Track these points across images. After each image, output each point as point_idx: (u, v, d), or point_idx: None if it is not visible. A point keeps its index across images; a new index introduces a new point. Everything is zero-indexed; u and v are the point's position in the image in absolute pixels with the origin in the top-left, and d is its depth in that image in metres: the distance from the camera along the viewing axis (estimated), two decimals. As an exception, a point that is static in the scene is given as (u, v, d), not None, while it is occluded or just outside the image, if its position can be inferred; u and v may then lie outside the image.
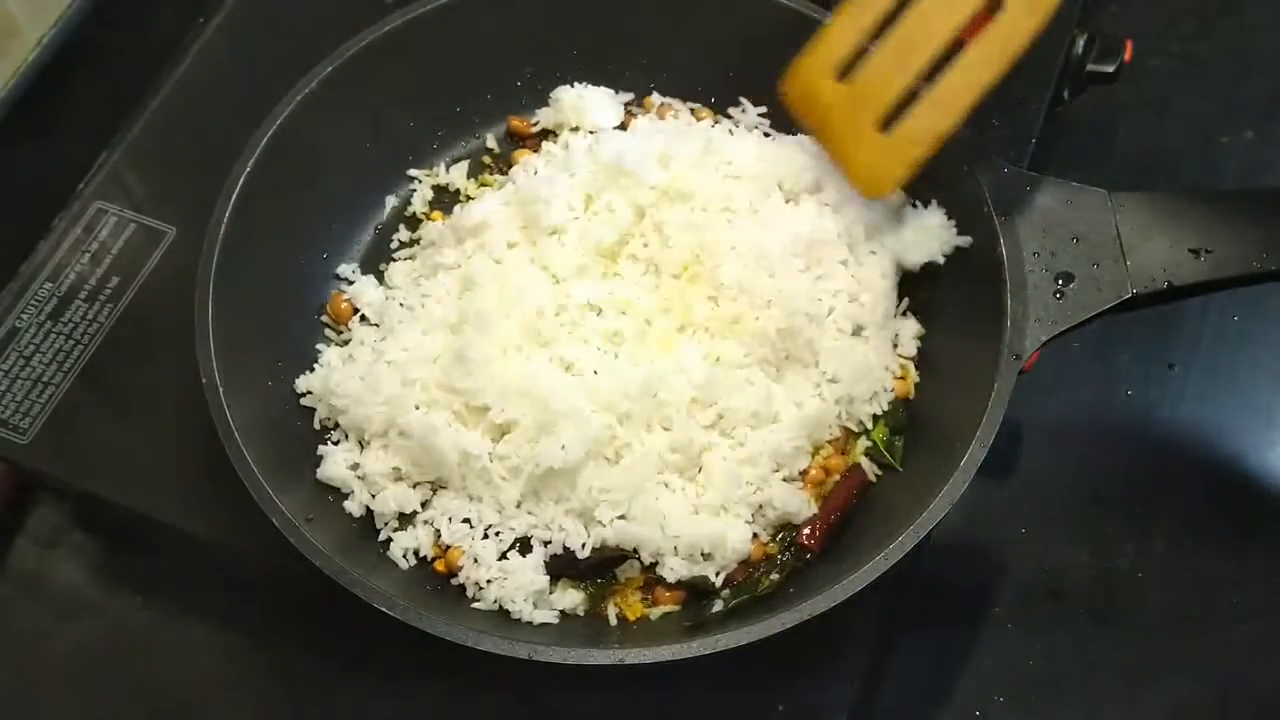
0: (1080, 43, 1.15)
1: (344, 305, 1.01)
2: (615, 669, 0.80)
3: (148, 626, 0.98)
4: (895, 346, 0.98)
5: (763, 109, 1.07)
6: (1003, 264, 0.91)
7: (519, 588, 0.88)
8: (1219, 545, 1.04)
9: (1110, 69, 1.15)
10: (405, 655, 0.90)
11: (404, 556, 0.90)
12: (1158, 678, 1.00)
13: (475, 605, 0.88)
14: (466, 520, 0.90)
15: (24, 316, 1.02)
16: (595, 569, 0.90)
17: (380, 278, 1.03)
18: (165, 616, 0.98)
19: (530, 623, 0.87)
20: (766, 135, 1.07)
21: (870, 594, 0.81)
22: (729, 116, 1.09)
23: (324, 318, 1.01)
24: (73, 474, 0.97)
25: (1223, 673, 1.00)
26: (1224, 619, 1.01)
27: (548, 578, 0.89)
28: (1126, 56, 1.15)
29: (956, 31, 0.91)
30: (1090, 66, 1.15)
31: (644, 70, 1.10)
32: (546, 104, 1.09)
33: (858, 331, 0.96)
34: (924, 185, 1.00)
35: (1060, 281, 0.90)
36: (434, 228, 1.04)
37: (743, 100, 1.08)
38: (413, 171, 1.08)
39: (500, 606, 0.88)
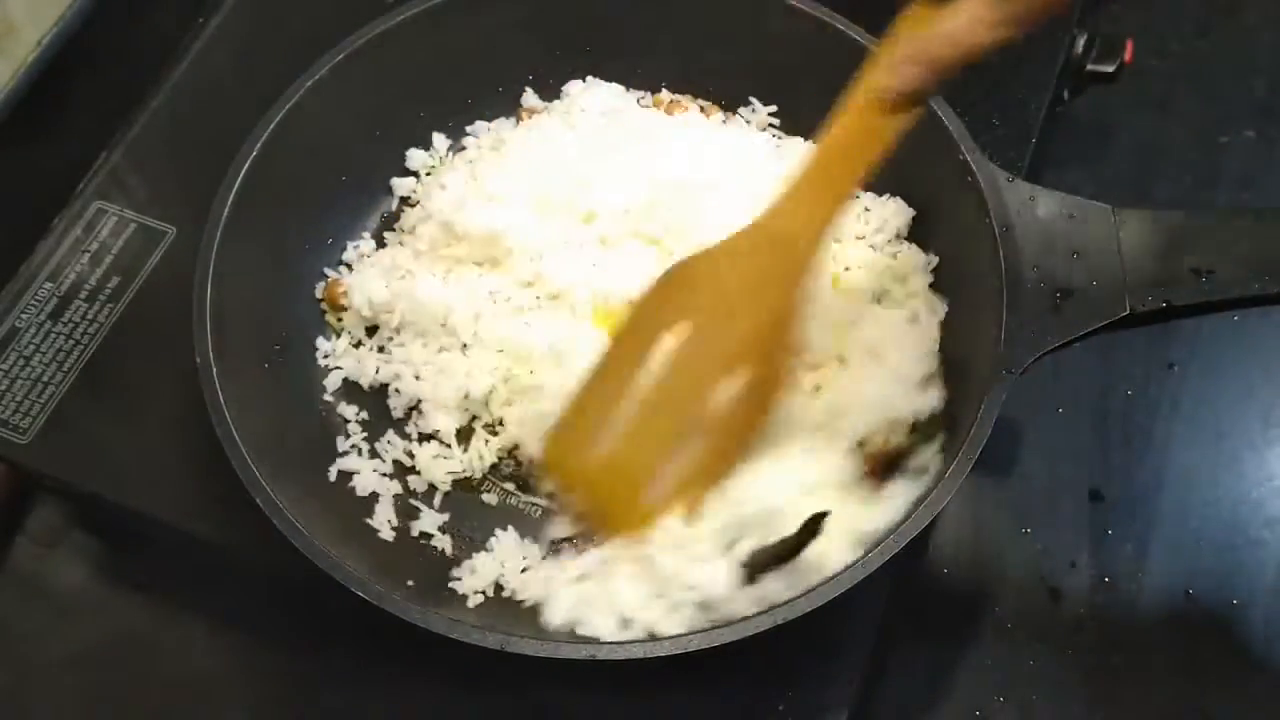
0: (1080, 43, 1.15)
1: (340, 292, 1.01)
2: (603, 666, 0.81)
3: (148, 626, 0.97)
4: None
5: (773, 108, 1.07)
6: (1001, 276, 0.91)
7: (511, 566, 0.89)
8: (1219, 545, 1.04)
9: (1110, 69, 1.15)
10: (405, 655, 0.90)
11: (387, 524, 0.92)
12: (1158, 678, 1.00)
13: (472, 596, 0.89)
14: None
15: (24, 316, 1.02)
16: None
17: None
18: (165, 616, 0.98)
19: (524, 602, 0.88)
20: (776, 135, 1.07)
21: (869, 594, 0.81)
22: (738, 115, 1.09)
23: (323, 304, 1.02)
24: (73, 474, 0.97)
25: (1223, 673, 1.00)
26: (1224, 619, 1.01)
27: (537, 546, 0.91)
28: (1126, 56, 1.15)
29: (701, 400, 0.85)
30: (1090, 66, 1.15)
31: (655, 67, 1.10)
32: (558, 98, 1.10)
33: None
34: (927, 195, 1.01)
35: (1058, 296, 0.90)
36: (413, 214, 1.05)
37: (753, 100, 1.08)
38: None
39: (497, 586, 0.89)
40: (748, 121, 1.08)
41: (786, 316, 0.86)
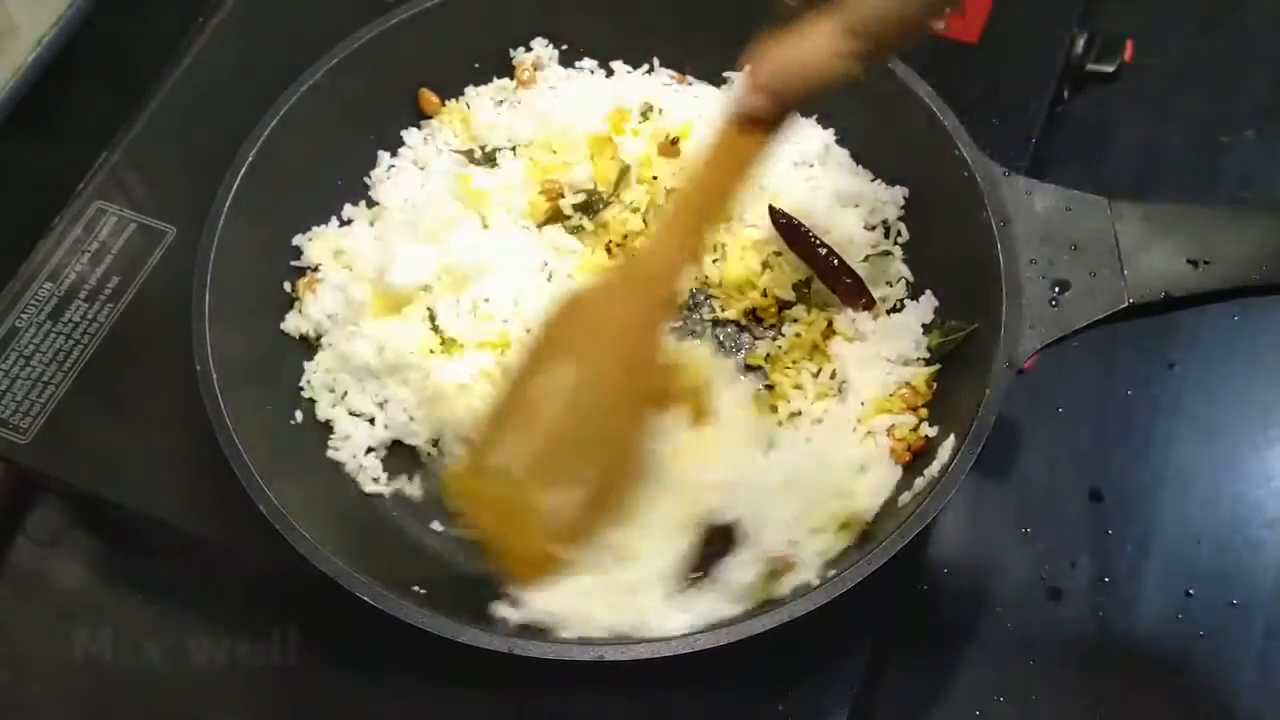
0: (1080, 43, 1.15)
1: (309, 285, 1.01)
2: (607, 667, 0.80)
3: (148, 626, 0.97)
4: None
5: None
6: (999, 270, 0.91)
7: None
8: (1219, 545, 1.04)
9: (1110, 69, 1.15)
10: (406, 655, 0.90)
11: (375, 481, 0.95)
12: (1158, 678, 1.00)
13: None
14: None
15: (24, 316, 1.02)
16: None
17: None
18: (165, 616, 0.98)
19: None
20: None
21: (870, 594, 0.81)
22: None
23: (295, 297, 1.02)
24: (73, 474, 0.97)
25: (1223, 673, 1.00)
26: (1224, 619, 1.01)
27: None
28: (1126, 56, 1.15)
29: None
30: (1090, 66, 1.15)
31: (641, 54, 1.10)
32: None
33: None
34: (925, 190, 1.01)
35: (1057, 289, 0.90)
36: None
37: (728, 76, 1.08)
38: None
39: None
40: None
41: (643, 362, 0.85)
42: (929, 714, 0.98)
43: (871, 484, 0.91)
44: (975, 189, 0.94)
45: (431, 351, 0.95)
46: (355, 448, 0.96)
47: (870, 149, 1.05)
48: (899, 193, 1.03)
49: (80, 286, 1.04)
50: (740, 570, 0.85)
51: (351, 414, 0.97)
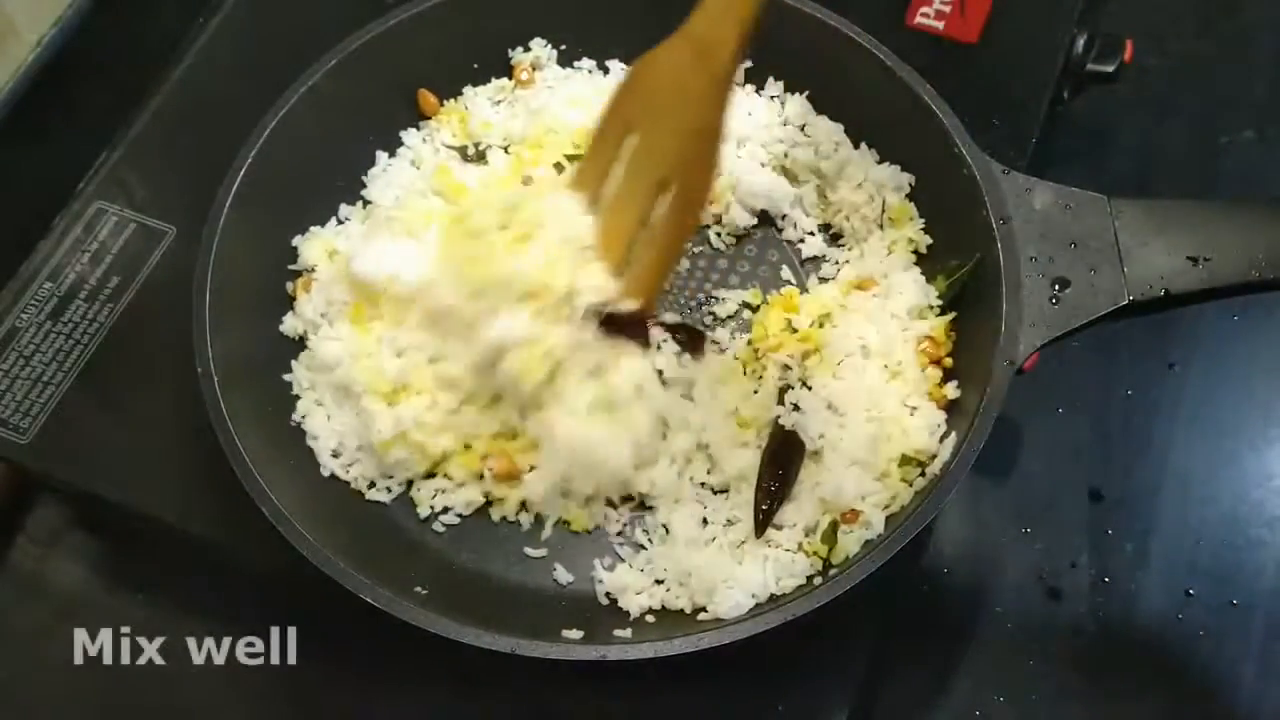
0: (1080, 43, 1.15)
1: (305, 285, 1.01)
2: (608, 666, 0.81)
3: (148, 626, 0.97)
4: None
5: (748, 64, 1.08)
6: (999, 268, 0.91)
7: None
8: (1219, 545, 1.04)
9: (1110, 69, 1.15)
10: (406, 655, 0.90)
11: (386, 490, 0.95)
12: (1157, 678, 1.00)
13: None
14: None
15: (24, 316, 1.02)
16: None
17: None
18: (165, 616, 0.98)
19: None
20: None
21: (869, 594, 0.81)
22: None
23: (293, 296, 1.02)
24: (73, 474, 0.97)
25: (1223, 673, 1.00)
26: (1224, 619, 1.01)
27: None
28: (1126, 56, 1.15)
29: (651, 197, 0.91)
30: (1090, 66, 1.15)
31: (638, 49, 1.10)
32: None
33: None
34: (926, 188, 1.01)
35: (1057, 286, 0.90)
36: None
37: None
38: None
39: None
40: None
41: (706, 128, 0.88)
42: (929, 714, 0.98)
43: (922, 422, 0.91)
44: (975, 187, 0.94)
45: (380, 393, 0.93)
46: (329, 450, 0.95)
47: (869, 146, 1.05)
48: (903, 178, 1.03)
49: (80, 286, 1.04)
50: (801, 517, 0.89)
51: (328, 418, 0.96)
